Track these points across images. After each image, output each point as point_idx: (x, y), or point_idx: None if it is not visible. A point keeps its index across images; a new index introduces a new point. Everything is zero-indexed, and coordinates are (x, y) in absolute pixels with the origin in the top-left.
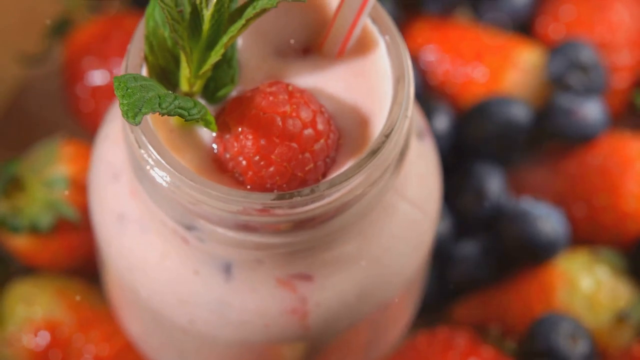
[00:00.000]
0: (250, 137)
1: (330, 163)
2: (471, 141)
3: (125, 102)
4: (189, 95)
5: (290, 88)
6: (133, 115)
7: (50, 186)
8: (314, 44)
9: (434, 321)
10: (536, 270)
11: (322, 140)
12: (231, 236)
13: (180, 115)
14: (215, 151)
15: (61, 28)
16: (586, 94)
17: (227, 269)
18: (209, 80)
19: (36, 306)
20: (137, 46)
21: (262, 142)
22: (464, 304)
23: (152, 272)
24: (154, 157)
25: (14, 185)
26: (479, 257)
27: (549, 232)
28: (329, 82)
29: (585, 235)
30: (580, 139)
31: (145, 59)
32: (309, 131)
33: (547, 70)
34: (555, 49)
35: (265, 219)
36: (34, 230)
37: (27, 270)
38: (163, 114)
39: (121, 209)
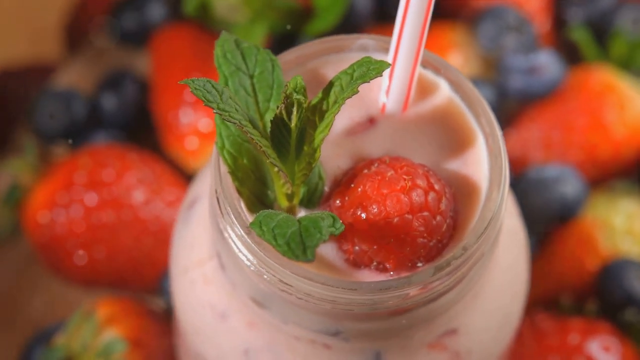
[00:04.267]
0: (381, 224)
1: (455, 216)
2: None
3: (282, 243)
4: (292, 209)
5: (387, 161)
6: (302, 253)
7: (107, 354)
8: (375, 110)
9: None
10: (567, 229)
11: (444, 198)
12: (380, 326)
13: (332, 233)
14: (344, 250)
15: (14, 196)
16: (529, 50)
17: (377, 358)
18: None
19: None
20: (226, 189)
21: (396, 222)
22: None
23: None
24: (301, 281)
25: None
26: None
27: (571, 190)
28: (409, 139)
29: (591, 177)
30: (548, 91)
31: (240, 193)
32: (432, 195)
33: (480, 43)
34: (479, 21)
35: (422, 295)
36: None
37: None
38: (325, 241)
39: (244, 345)
